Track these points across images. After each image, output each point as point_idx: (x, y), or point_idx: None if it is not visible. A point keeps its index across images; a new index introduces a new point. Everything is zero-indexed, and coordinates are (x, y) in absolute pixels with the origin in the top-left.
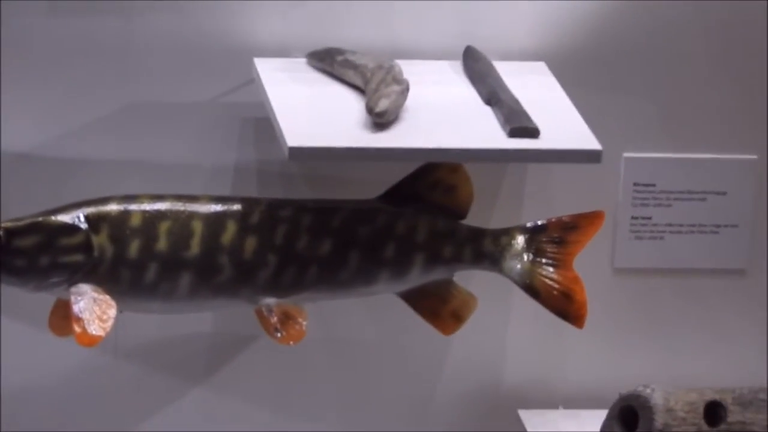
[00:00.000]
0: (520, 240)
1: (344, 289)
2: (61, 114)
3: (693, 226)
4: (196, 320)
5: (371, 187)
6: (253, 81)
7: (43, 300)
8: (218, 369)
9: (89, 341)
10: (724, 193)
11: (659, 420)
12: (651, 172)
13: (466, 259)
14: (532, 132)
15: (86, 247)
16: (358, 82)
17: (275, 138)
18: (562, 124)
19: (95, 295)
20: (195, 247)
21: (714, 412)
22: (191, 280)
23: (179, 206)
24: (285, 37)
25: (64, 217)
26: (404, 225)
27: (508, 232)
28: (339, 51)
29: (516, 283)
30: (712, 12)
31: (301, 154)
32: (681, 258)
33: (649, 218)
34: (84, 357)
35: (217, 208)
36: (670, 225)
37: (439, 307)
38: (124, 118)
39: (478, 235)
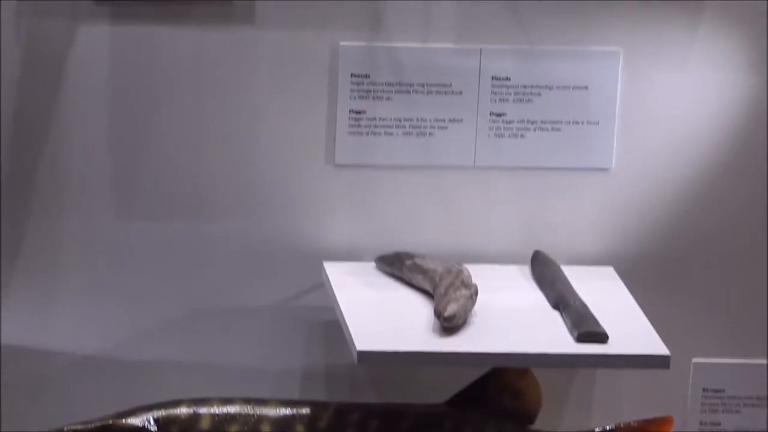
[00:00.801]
0: None
1: None
2: (130, 316)
3: None
4: None
5: (439, 391)
6: (322, 284)
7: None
8: None
9: None
10: None
11: None
12: (720, 378)
13: None
14: (601, 337)
15: None
16: (427, 286)
17: (343, 341)
18: (630, 329)
19: None
20: None
21: None
22: None
23: (248, 410)
24: (354, 241)
25: (134, 420)
26: (472, 430)
27: None
28: (408, 255)
29: None
30: None
31: (369, 358)
32: None
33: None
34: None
35: (286, 411)
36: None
37: None
38: (192, 320)
39: None
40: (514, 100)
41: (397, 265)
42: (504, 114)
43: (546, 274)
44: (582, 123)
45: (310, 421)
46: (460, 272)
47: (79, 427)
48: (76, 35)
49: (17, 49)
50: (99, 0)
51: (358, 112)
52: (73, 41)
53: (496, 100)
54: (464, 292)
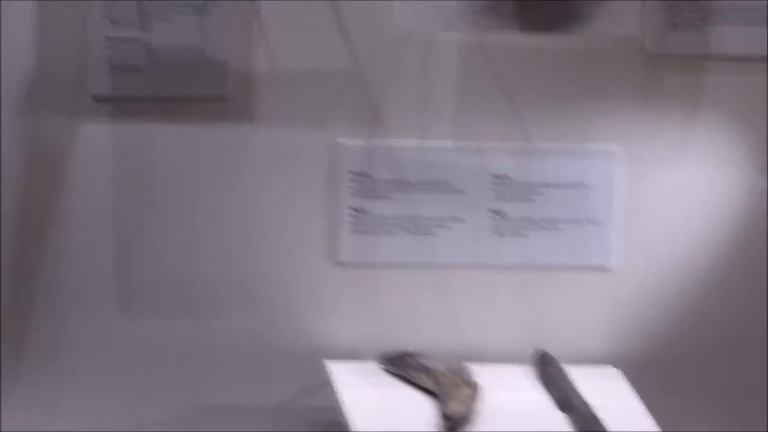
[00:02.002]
0: None
1: None
2: (131, 414)
3: None
4: None
5: None
6: (324, 384)
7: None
8: None
9: None
10: None
11: None
12: None
13: None
14: None
15: None
16: (430, 385)
17: None
18: (634, 430)
19: None
20: None
21: None
22: None
23: None
24: (356, 340)
25: None
26: None
27: None
28: (410, 354)
29: None
30: None
31: None
32: None
33: None
34: None
35: None
36: None
37: None
38: (194, 420)
39: None
40: (513, 198)
41: (400, 365)
42: (504, 212)
43: (549, 374)
44: (581, 221)
45: None
46: (463, 371)
47: None
48: (76, 133)
49: (17, 145)
50: (99, 98)
51: (358, 210)
52: (73, 138)
53: (495, 198)
54: (467, 391)
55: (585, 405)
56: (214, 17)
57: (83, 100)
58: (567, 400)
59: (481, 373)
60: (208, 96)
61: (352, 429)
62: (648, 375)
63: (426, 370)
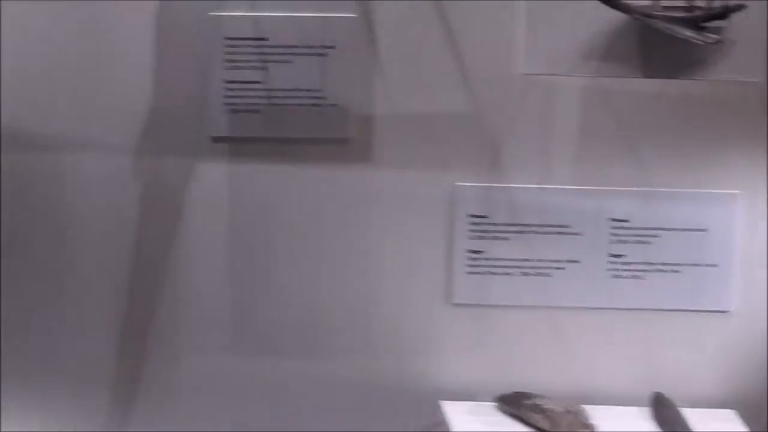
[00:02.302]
0: None
1: None
2: None
3: None
4: None
5: None
6: (439, 424)
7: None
8: None
9: None
10: None
11: None
12: None
13: None
14: None
15: None
16: (546, 426)
17: None
18: None
19: None
20: None
21: None
22: None
23: None
24: (471, 380)
25: None
26: None
27: None
28: (526, 395)
29: None
30: None
31: None
32: None
33: None
34: None
35: None
36: None
37: None
38: None
39: None
40: (633, 242)
41: (515, 405)
42: (623, 255)
43: (666, 417)
44: (701, 265)
45: None
46: (579, 413)
47: None
48: (195, 172)
49: (137, 184)
50: (217, 139)
51: (476, 252)
52: (192, 178)
53: (615, 242)
54: None
55: None
56: (335, 60)
57: (202, 141)
58: None
59: (597, 415)
60: (329, 138)
61: None
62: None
63: (542, 411)
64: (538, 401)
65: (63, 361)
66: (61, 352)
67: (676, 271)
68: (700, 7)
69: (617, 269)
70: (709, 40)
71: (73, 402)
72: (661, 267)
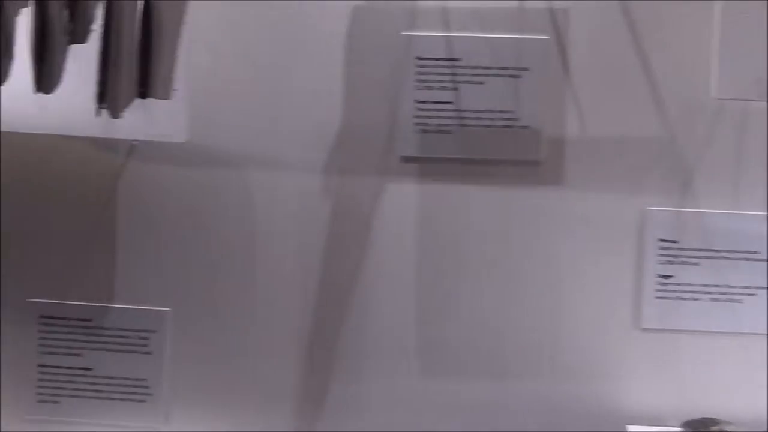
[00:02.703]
0: None
1: None
2: None
3: None
4: None
5: None
6: None
7: None
8: None
9: None
10: None
11: None
12: None
13: None
14: None
15: None
16: None
17: None
18: None
19: None
20: None
21: None
22: None
23: None
24: (658, 405)
25: None
26: None
27: None
28: (713, 421)
29: None
30: None
31: None
32: None
33: None
34: None
35: None
36: None
37: None
38: None
39: None
40: None
41: (703, 431)
42: None
43: None
44: None
45: None
46: None
47: None
48: (383, 191)
49: (327, 202)
50: (407, 158)
51: (665, 277)
52: (380, 197)
53: None
54: None
55: None
56: (527, 82)
57: (392, 160)
58: None
59: None
60: (520, 160)
61: None
62: None
63: None
64: (725, 427)
65: (251, 378)
66: (249, 369)
67: None
68: None
69: None
70: None
71: (260, 418)
72: None
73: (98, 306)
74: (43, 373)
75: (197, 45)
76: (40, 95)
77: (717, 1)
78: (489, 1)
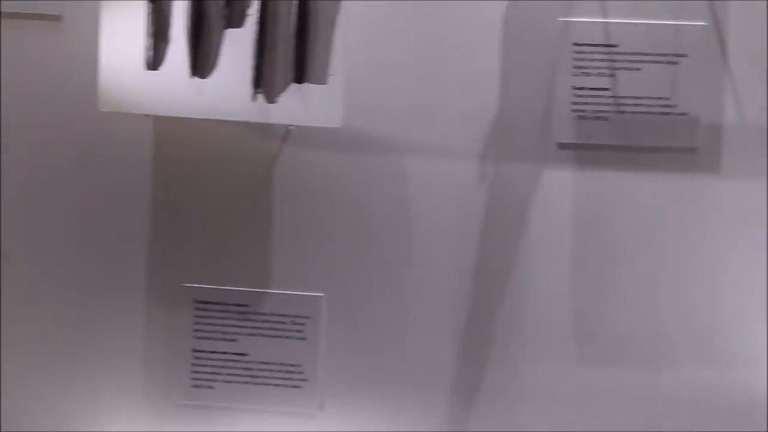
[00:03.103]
0: None
1: None
2: None
3: None
4: None
5: None
6: None
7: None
8: None
9: None
10: None
11: None
12: None
13: None
14: None
15: None
16: None
17: None
18: None
19: None
20: None
21: None
22: None
23: None
24: None
25: None
26: None
27: None
28: None
29: None
30: None
31: None
32: None
33: None
34: None
35: None
36: None
37: None
38: None
39: None
40: None
41: None
42: None
43: None
44: None
45: None
46: None
47: None
48: (540, 179)
49: (482, 188)
50: (563, 145)
51: None
52: (537, 184)
53: None
54: None
55: None
56: (686, 69)
57: (548, 147)
58: None
59: None
60: (677, 147)
61: None
62: None
63: None
64: None
65: (405, 365)
66: (404, 356)
67: None
68: None
69: None
70: None
71: (416, 402)
72: None
73: (253, 291)
74: (197, 358)
75: (353, 29)
76: (196, 79)
77: None
78: None
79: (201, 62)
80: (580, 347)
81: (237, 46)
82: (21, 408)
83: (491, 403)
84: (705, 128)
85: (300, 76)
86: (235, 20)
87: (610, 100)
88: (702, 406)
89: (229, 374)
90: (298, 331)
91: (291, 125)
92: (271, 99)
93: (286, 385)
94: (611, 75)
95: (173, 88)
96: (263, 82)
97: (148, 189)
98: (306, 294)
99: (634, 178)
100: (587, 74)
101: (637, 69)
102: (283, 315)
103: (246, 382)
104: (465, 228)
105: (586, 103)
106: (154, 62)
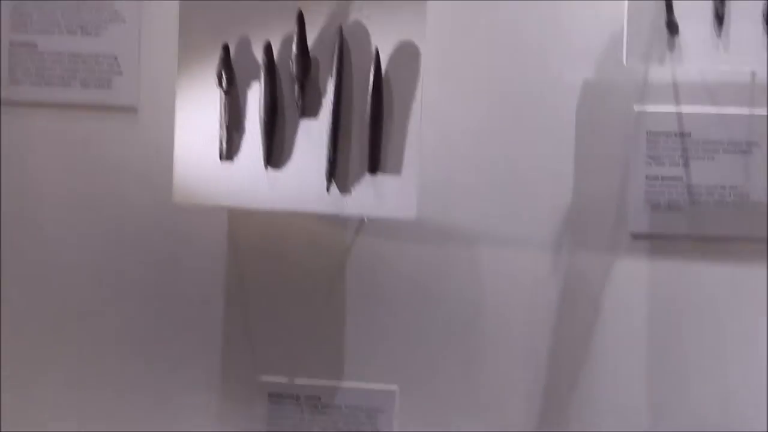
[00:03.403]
0: None
1: None
2: None
3: None
4: None
5: None
6: None
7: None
8: None
9: None
10: None
11: None
12: None
13: None
14: None
15: None
16: None
17: None
18: None
19: None
20: None
21: None
22: None
23: None
24: None
25: None
26: None
27: None
28: None
29: None
30: None
31: None
32: None
33: None
34: None
35: None
36: None
37: None
38: None
39: None
40: None
41: None
42: None
43: None
44: None
45: None
46: None
47: None
48: (613, 268)
49: (556, 278)
50: (637, 235)
51: None
52: (610, 273)
53: None
54: None
55: None
56: (758, 157)
57: (622, 237)
58: None
59: None
60: (751, 237)
61: None
62: None
63: None
64: None
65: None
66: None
67: None
68: None
69: None
70: None
71: None
72: None
73: (327, 385)
74: None
75: (428, 120)
76: (270, 170)
77: None
78: (720, 76)
79: (275, 153)
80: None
81: (311, 137)
82: None
83: None
84: None
85: (374, 167)
86: (309, 111)
87: (684, 190)
88: None
89: None
90: (371, 424)
91: (365, 216)
92: (345, 190)
93: None
94: (685, 164)
95: (247, 179)
96: (337, 173)
97: (222, 281)
98: (379, 388)
99: (708, 267)
100: (661, 163)
101: (711, 158)
102: (355, 407)
103: None
104: (538, 318)
105: (660, 193)
106: (228, 153)
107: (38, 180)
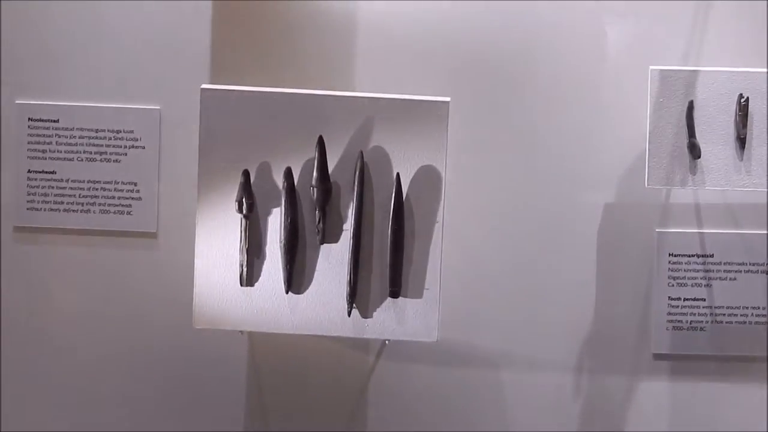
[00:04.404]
0: None
1: None
2: None
3: None
4: None
5: None
6: None
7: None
8: None
9: None
10: None
11: None
12: None
13: None
14: None
15: None
16: None
17: None
18: None
19: None
20: None
21: None
22: None
23: None
24: None
25: None
26: None
27: None
28: None
29: None
30: None
31: None
32: None
33: None
34: None
35: None
36: None
37: None
38: None
39: None
40: None
41: None
42: None
43: None
44: None
45: None
46: None
47: None
48: (635, 389)
49: (578, 401)
50: (659, 355)
51: None
52: (632, 395)
53: None
54: None
55: None
56: None
57: (644, 358)
58: None
59: None
60: None
61: None
62: None
63: None
64: None
65: None
66: None
67: None
68: None
69: None
70: None
71: None
72: None
73: None
74: None
75: (449, 242)
76: (291, 295)
77: None
78: (741, 197)
79: (296, 278)
80: None
81: (331, 261)
82: None
83: None
84: None
85: (395, 291)
86: (330, 235)
87: (706, 311)
88: None
89: None
90: None
91: (387, 339)
92: (366, 314)
93: None
94: (707, 285)
95: (268, 303)
96: (358, 296)
97: (243, 405)
98: None
99: (732, 389)
100: (683, 285)
101: (733, 278)
102: None
103: None
104: None
105: (682, 314)
106: (249, 278)
107: (58, 304)
